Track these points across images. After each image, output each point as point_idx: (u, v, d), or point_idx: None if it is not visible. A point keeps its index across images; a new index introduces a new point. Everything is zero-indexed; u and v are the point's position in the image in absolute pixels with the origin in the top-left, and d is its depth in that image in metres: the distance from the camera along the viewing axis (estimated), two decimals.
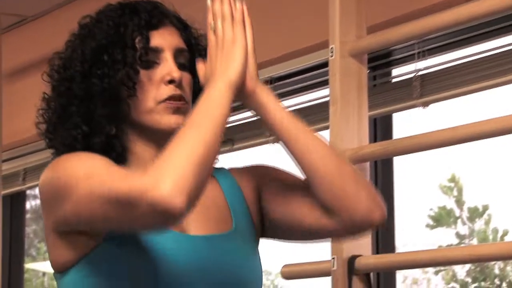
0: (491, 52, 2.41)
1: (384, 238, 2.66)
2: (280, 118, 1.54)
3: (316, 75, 2.85)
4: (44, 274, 5.66)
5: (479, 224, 5.90)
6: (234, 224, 1.60)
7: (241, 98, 1.53)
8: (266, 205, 1.66)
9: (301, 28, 2.77)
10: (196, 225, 1.58)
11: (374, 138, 2.63)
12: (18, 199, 4.34)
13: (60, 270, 1.53)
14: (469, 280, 5.70)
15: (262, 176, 1.66)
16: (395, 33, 2.19)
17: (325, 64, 2.47)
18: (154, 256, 1.51)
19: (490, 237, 5.72)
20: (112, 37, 1.59)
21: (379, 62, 2.66)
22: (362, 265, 2.13)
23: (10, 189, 4.09)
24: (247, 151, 3.17)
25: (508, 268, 5.53)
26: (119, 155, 1.56)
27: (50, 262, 1.54)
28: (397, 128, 2.73)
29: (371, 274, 2.17)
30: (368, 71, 2.25)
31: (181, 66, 1.59)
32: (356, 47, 2.19)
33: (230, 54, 1.54)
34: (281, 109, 1.53)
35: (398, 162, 2.71)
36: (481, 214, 5.88)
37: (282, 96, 2.89)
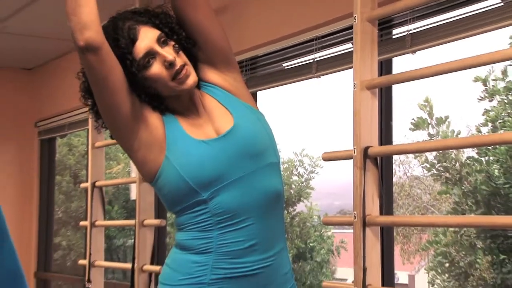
0: (454, 18, 2.33)
1: (385, 135, 2.59)
2: None
3: (345, 34, 2.77)
4: None
5: (442, 128, 6.05)
6: (235, 117, 1.58)
7: None
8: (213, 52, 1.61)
9: (335, 4, 2.63)
10: (213, 130, 1.57)
11: (380, 73, 2.51)
12: None
13: (152, 180, 1.59)
14: (435, 162, 5.85)
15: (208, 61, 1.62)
16: (395, 6, 2.16)
17: (350, 27, 2.53)
18: (200, 160, 1.52)
19: (449, 135, 5.87)
20: (118, 57, 1.49)
21: (385, 25, 2.56)
22: (372, 152, 2.15)
23: None
24: (295, 85, 2.97)
25: (460, 154, 5.69)
26: (163, 111, 1.60)
27: (144, 177, 1.60)
28: (396, 67, 2.62)
29: (378, 158, 2.17)
30: (377, 31, 2.22)
31: (165, 43, 1.53)
32: (371, 15, 2.19)
33: None
34: None
35: (396, 89, 2.62)
36: (444, 121, 6.06)
37: (325, 47, 2.81)
